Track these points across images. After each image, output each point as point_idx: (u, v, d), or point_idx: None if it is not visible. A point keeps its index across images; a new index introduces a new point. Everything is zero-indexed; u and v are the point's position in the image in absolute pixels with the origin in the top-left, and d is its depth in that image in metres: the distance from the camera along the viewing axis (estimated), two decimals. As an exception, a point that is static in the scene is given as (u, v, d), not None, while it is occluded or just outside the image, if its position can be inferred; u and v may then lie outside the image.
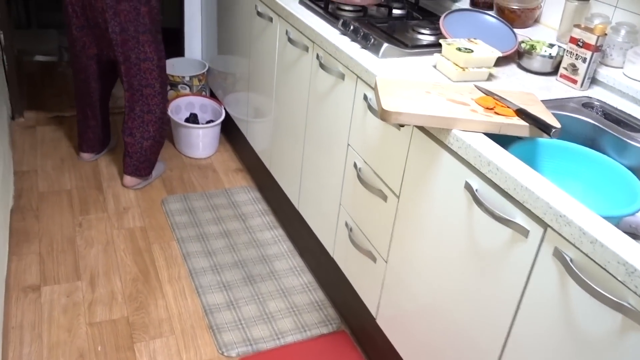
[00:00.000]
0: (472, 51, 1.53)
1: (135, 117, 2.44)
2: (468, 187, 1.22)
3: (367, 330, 1.83)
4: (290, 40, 2.00)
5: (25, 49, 3.85)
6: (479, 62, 1.52)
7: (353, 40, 1.74)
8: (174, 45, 3.45)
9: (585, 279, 0.95)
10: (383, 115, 1.25)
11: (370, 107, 1.58)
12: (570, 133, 1.49)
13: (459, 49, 1.52)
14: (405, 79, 1.41)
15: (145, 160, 2.53)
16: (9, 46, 2.89)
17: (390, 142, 1.51)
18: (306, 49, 1.91)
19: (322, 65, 1.79)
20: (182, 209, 2.47)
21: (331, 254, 1.95)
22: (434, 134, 1.31)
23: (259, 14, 2.25)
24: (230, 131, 2.97)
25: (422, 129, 1.37)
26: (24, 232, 2.26)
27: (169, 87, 3.10)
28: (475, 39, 1.63)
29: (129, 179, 2.56)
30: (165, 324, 1.92)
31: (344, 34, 1.79)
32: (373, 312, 1.72)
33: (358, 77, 1.62)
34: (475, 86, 1.42)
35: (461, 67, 1.51)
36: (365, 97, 1.60)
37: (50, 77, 3.58)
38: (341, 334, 1.92)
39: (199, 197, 2.56)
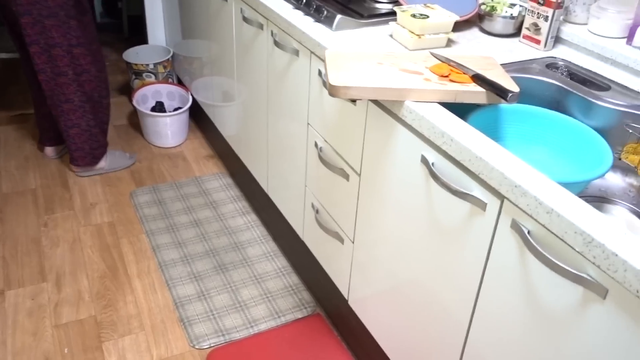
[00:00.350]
0: (427, 17, 1.45)
1: (55, 106, 2.34)
2: (424, 160, 1.16)
3: (341, 312, 1.78)
4: (245, 18, 1.91)
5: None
6: (436, 27, 1.45)
7: (306, 14, 1.66)
8: (138, 32, 3.35)
9: (542, 252, 0.89)
10: (332, 90, 1.18)
11: (325, 84, 1.50)
12: (534, 96, 1.42)
13: (414, 16, 1.45)
14: (356, 51, 1.34)
15: (77, 149, 2.44)
16: (-37, 44, 2.77)
17: (348, 119, 1.44)
18: (261, 26, 1.83)
19: (276, 43, 1.70)
20: (151, 200, 2.40)
21: (301, 237, 1.89)
22: (388, 107, 1.24)
23: (213, -7, 2.16)
24: (199, 117, 2.89)
25: (377, 102, 1.30)
26: (-13, 235, 2.19)
27: (133, 77, 3.01)
28: (432, 4, 1.56)
29: (71, 165, 2.53)
30: (135, 320, 1.86)
31: (297, 8, 1.70)
32: (345, 294, 1.66)
33: (312, 52, 1.54)
34: (431, 53, 1.35)
35: (417, 35, 1.43)
36: (320, 73, 1.52)
37: (14, 74, 3.47)
38: (316, 317, 1.87)
39: (169, 188, 2.49)
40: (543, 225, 0.90)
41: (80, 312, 1.88)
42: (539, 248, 0.90)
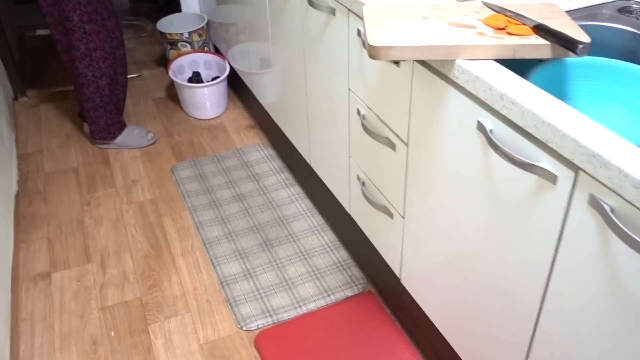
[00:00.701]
0: (478, -38, 1.28)
1: (72, 78, 2.35)
2: (481, 127, 1.02)
3: (393, 290, 1.68)
4: (277, -23, 1.78)
5: (26, 24, 3.72)
6: (488, -27, 1.28)
7: (342, -33, 1.51)
8: (174, 1, 3.24)
9: (630, 233, 0.76)
10: (371, 52, 1.04)
11: (365, 44, 1.36)
12: (605, 47, 1.25)
13: (463, -39, 1.28)
14: (398, 5, 1.19)
15: (92, 122, 2.42)
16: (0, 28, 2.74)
17: (391, 83, 1.30)
18: (294, -15, 1.69)
19: (310, 2, 1.57)
20: (192, 175, 2.33)
21: (348, 210, 1.78)
22: (437, 67, 1.10)
23: (243, -48, 2.03)
24: (238, 86, 2.79)
25: (423, 63, 1.16)
26: (32, 217, 2.18)
27: (169, 47, 2.92)
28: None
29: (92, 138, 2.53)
30: (180, 301, 1.81)
31: (332, -39, 1.55)
32: (396, 271, 1.56)
33: (349, 10, 1.40)
34: (484, 3, 1.19)
35: (467, -17, 1.27)
36: (359, 33, 1.38)
37: (53, 51, 3.45)
38: (367, 295, 1.77)
39: (210, 161, 2.42)
40: (629, 202, 0.76)
41: (125, 294, 1.84)
42: (624, 229, 0.76)
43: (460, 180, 1.13)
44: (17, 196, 2.26)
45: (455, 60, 1.03)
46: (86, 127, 2.58)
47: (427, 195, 1.27)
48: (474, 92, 1.01)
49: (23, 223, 2.15)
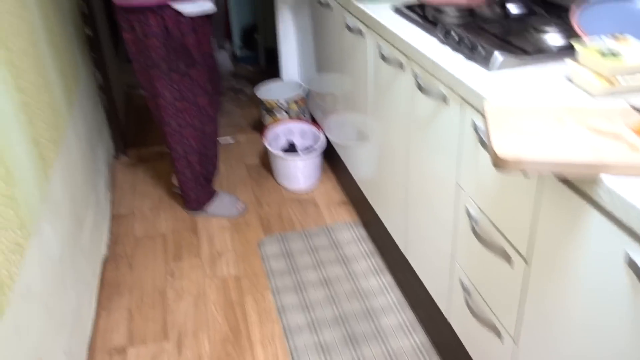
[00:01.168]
0: (621, 54, 1.10)
1: (168, 151, 2.35)
2: (631, 263, 0.82)
3: (496, 415, 1.44)
4: (382, 56, 1.67)
5: (133, 82, 3.87)
6: (632, 68, 1.10)
7: (455, 50, 1.38)
8: (275, 65, 3.25)
9: None
10: (497, 163, 0.89)
11: (482, 141, 1.20)
12: None
13: (602, 53, 1.11)
14: (525, 104, 1.03)
15: (184, 193, 2.42)
16: (108, 87, 2.83)
17: (513, 189, 1.13)
18: (401, 65, 1.57)
19: (420, 86, 1.44)
20: (279, 252, 2.22)
21: (445, 315, 1.59)
22: (575, 183, 0.92)
23: (348, 27, 1.95)
24: (332, 158, 2.69)
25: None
26: (116, 283, 2.14)
27: (265, 113, 2.89)
28: (622, 34, 1.20)
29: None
30: (255, 397, 1.67)
31: (444, 43, 1.43)
32: (502, 397, 1.33)
33: (463, 99, 1.25)
34: (632, 106, 1.01)
35: (606, 79, 1.09)
36: (474, 126, 1.23)
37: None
38: (463, 414, 1.55)
39: (298, 237, 2.30)
40: None
41: (198, 381, 1.73)
42: None
43: (598, 319, 0.92)
44: (105, 260, 2.24)
45: (599, 175, 0.85)
46: (174, 179, 2.58)
47: (550, 326, 1.07)
48: (624, 219, 0.82)
49: (107, 289, 2.11)
